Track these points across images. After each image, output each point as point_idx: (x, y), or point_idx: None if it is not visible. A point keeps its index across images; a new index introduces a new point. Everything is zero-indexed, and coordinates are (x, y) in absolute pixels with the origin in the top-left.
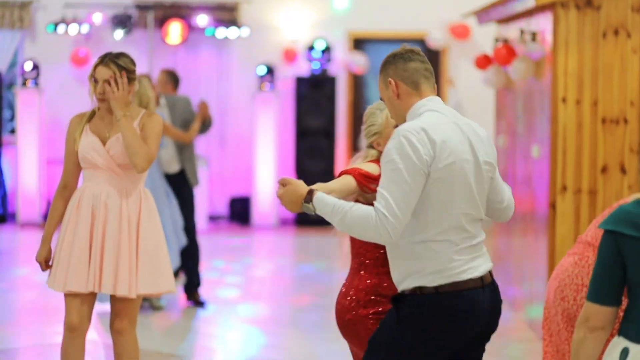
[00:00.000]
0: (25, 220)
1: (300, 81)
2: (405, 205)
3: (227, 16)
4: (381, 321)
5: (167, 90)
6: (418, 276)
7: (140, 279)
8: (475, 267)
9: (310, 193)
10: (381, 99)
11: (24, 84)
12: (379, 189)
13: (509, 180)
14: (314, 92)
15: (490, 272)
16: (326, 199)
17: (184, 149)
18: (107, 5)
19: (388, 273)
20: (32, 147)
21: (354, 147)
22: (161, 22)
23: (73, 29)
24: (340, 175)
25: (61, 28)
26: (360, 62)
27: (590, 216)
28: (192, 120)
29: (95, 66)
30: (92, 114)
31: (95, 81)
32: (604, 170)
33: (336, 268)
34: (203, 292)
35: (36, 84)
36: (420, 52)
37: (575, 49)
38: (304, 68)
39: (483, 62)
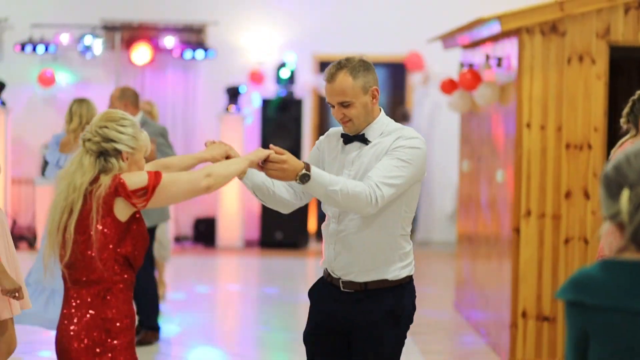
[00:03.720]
0: None
1: (266, 103)
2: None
3: (194, 38)
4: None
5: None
6: (406, 264)
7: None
8: None
9: (308, 164)
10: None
11: None
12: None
13: (473, 205)
14: (280, 114)
15: None
16: (321, 171)
17: None
18: (75, 26)
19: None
20: None
21: None
22: (128, 43)
23: (40, 48)
24: None
25: (28, 48)
26: None
27: (554, 241)
28: None
29: None
30: None
31: None
32: (568, 195)
33: (300, 289)
34: (169, 313)
35: (2, 103)
36: None
37: (540, 75)
38: (270, 90)
39: (448, 86)
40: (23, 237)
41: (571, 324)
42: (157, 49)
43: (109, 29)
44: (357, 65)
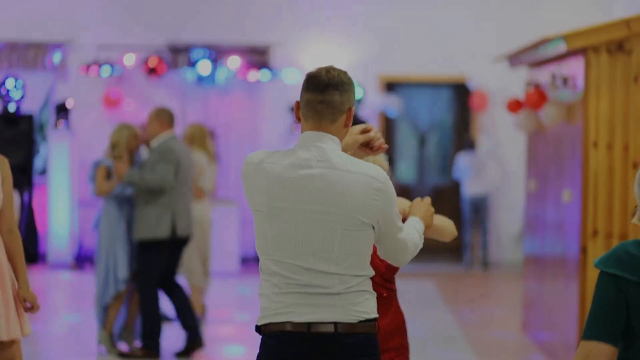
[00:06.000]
0: (56, 261)
1: None
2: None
3: (259, 59)
4: None
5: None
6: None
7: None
8: (299, 313)
9: None
10: None
11: (56, 125)
12: None
13: (540, 225)
14: None
15: (335, 325)
16: None
17: (145, 194)
18: (140, 47)
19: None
20: (63, 188)
21: None
22: (193, 64)
23: (105, 70)
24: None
25: (94, 69)
26: (394, 105)
27: None
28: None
29: None
30: None
31: None
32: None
33: None
34: (242, 332)
35: (68, 125)
36: (325, 75)
37: (607, 94)
38: None
39: (514, 106)
40: (89, 259)
41: (604, 288)
42: (222, 70)
43: (174, 50)
44: None
